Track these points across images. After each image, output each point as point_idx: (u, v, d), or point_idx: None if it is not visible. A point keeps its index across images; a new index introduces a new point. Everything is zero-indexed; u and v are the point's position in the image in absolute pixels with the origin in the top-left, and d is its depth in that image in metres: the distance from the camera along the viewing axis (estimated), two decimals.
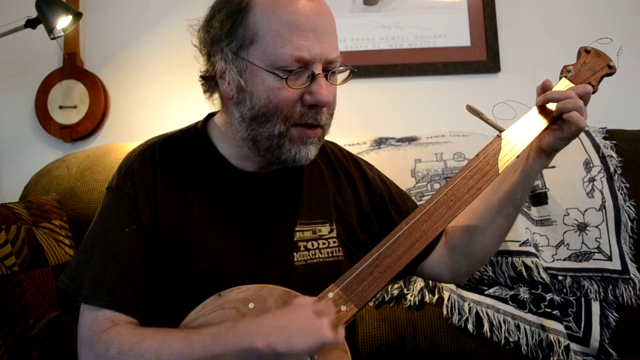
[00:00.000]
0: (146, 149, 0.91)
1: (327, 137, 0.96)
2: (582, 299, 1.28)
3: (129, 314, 0.80)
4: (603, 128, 1.49)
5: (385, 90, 1.78)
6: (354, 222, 0.98)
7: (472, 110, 0.90)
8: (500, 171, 0.86)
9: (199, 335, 0.74)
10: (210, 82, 0.89)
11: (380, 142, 1.52)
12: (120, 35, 1.81)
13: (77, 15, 1.56)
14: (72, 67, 1.77)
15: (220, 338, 0.72)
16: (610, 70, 0.94)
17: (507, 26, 1.78)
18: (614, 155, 1.40)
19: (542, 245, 1.34)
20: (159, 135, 0.96)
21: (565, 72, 0.94)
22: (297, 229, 0.91)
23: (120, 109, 1.80)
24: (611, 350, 1.23)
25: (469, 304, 1.27)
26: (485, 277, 1.31)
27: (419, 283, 1.32)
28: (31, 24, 1.52)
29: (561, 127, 0.87)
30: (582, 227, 1.34)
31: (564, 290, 1.29)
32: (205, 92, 0.91)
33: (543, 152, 0.90)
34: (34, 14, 1.51)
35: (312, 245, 0.91)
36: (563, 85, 0.92)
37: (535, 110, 0.90)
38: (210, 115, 0.97)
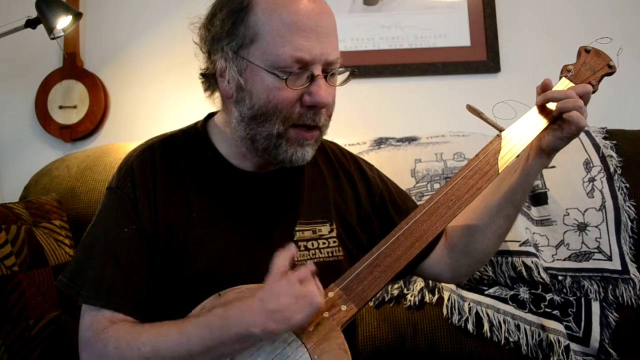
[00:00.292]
0: (146, 149, 0.91)
1: (328, 137, 0.96)
2: (582, 299, 1.28)
3: (129, 314, 0.80)
4: (603, 128, 1.49)
5: (385, 90, 1.78)
6: (354, 222, 0.98)
7: (472, 110, 0.90)
8: (500, 171, 0.86)
9: (194, 326, 0.74)
10: (210, 80, 0.89)
11: (380, 142, 1.52)
12: (120, 35, 1.81)
13: (77, 15, 1.56)
14: (72, 67, 1.77)
15: (214, 327, 0.72)
16: (610, 70, 0.94)
17: (507, 26, 1.78)
18: (614, 155, 1.40)
19: (542, 245, 1.34)
20: (159, 135, 0.96)
21: (565, 71, 0.94)
22: (297, 228, 0.91)
23: (120, 109, 1.80)
24: (611, 350, 1.23)
25: (469, 304, 1.27)
26: (485, 277, 1.31)
27: (419, 283, 1.32)
28: (31, 24, 1.52)
29: (561, 126, 0.87)
30: (582, 227, 1.34)
31: (564, 290, 1.29)
32: (205, 90, 0.91)
33: (543, 151, 0.89)
34: (34, 14, 1.51)
35: (312, 245, 0.91)
36: (563, 84, 0.92)
37: (535, 110, 0.90)
38: (211, 115, 0.97)
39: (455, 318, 1.25)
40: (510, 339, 1.22)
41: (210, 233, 0.86)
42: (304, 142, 0.84)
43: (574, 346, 1.22)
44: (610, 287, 1.29)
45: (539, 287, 1.28)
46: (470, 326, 1.24)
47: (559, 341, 1.20)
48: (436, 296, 1.30)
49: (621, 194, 1.36)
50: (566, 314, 1.26)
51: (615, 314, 1.27)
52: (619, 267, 1.31)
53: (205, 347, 0.72)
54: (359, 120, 1.73)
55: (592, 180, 1.37)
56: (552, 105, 0.88)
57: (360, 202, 1.00)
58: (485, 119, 0.89)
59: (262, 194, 0.91)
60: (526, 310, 1.26)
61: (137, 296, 0.81)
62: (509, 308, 1.26)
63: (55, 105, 1.76)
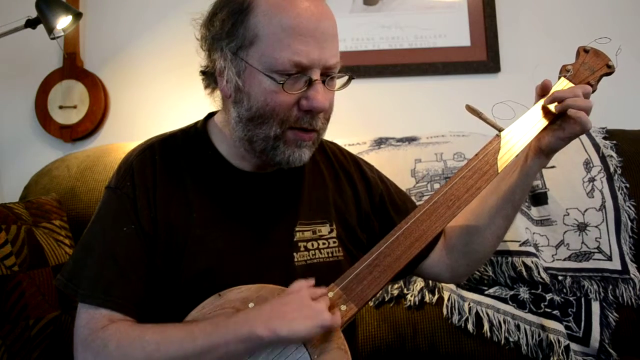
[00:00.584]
0: (146, 148, 0.91)
1: (328, 137, 0.97)
2: (582, 299, 1.28)
3: (127, 313, 0.80)
4: (603, 128, 1.49)
5: (385, 90, 1.78)
6: (354, 222, 0.98)
7: (471, 110, 0.90)
8: (499, 171, 0.86)
9: (199, 326, 0.74)
10: (210, 78, 0.89)
11: (380, 142, 1.52)
12: (120, 35, 1.81)
13: (77, 15, 1.56)
14: (72, 67, 1.77)
15: (220, 327, 0.73)
16: (609, 70, 0.94)
17: (507, 26, 1.78)
18: (614, 155, 1.40)
19: (542, 245, 1.34)
20: (159, 135, 0.96)
21: (564, 71, 0.93)
22: (297, 229, 0.91)
23: (120, 109, 1.80)
24: (611, 350, 1.23)
25: (469, 304, 1.27)
26: (485, 277, 1.31)
27: (419, 283, 1.32)
28: (31, 24, 1.52)
29: (562, 126, 0.87)
30: (582, 227, 1.34)
31: (564, 290, 1.29)
32: (205, 87, 0.91)
33: (542, 152, 0.89)
34: (34, 14, 1.51)
35: (312, 245, 0.91)
36: (562, 84, 0.92)
37: (534, 109, 0.90)
38: (211, 115, 0.97)
39: (455, 318, 1.25)
40: (510, 339, 1.22)
41: (210, 233, 0.86)
42: (301, 143, 0.83)
43: (574, 346, 1.22)
44: (610, 287, 1.29)
45: (539, 287, 1.28)
46: (470, 326, 1.24)
47: (559, 341, 1.20)
48: (436, 296, 1.30)
49: (621, 194, 1.36)
50: (566, 314, 1.26)
51: (615, 314, 1.27)
52: (619, 267, 1.31)
53: (211, 345, 0.72)
54: (359, 120, 1.73)
55: (592, 180, 1.37)
56: (552, 106, 0.88)
57: (360, 202, 1.00)
58: (485, 119, 0.89)
59: (262, 195, 0.91)
60: (526, 310, 1.26)
61: (135, 296, 0.81)
62: (509, 308, 1.26)
63: (55, 105, 1.76)
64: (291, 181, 0.94)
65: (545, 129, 0.89)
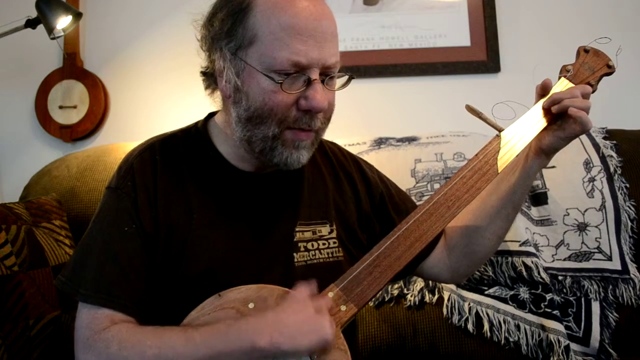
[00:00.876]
0: (146, 148, 0.91)
1: (328, 137, 0.96)
2: (582, 299, 1.28)
3: (128, 313, 0.80)
4: (603, 128, 1.49)
5: (385, 90, 1.78)
6: (354, 223, 0.98)
7: (471, 110, 0.90)
8: (499, 171, 0.86)
9: (201, 333, 0.74)
10: (210, 78, 0.89)
11: (380, 142, 1.52)
12: (120, 35, 1.81)
13: (77, 15, 1.56)
14: (72, 67, 1.77)
15: (222, 337, 0.72)
16: (609, 70, 0.94)
17: (507, 26, 1.78)
18: (614, 155, 1.40)
19: (542, 245, 1.34)
20: (159, 134, 0.96)
21: (564, 71, 0.93)
22: (297, 229, 0.91)
23: (120, 109, 1.80)
24: (611, 350, 1.23)
25: (469, 304, 1.27)
26: (485, 277, 1.31)
27: (419, 283, 1.32)
28: (31, 24, 1.52)
29: (562, 127, 0.87)
30: (582, 227, 1.34)
31: (564, 290, 1.29)
32: (206, 88, 0.91)
33: (542, 152, 0.89)
34: (34, 14, 1.51)
35: (312, 245, 0.91)
36: (562, 84, 0.92)
37: (534, 110, 0.90)
38: (211, 115, 0.97)
39: (455, 318, 1.25)
40: (510, 339, 1.23)
41: (211, 233, 0.86)
42: (299, 144, 0.83)
43: (574, 346, 1.22)
44: (610, 287, 1.29)
45: (539, 287, 1.28)
46: (470, 326, 1.24)
47: (559, 341, 1.20)
48: (436, 296, 1.30)
49: (621, 194, 1.36)
50: (566, 314, 1.26)
51: (615, 314, 1.27)
52: (619, 267, 1.31)
53: (212, 352, 0.72)
54: (359, 120, 1.73)
55: (592, 180, 1.37)
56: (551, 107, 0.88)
57: (361, 202, 1.00)
58: (485, 119, 0.89)
59: (262, 195, 0.91)
60: (526, 310, 1.26)
61: (136, 296, 0.81)
62: (509, 308, 1.26)
63: (55, 105, 1.76)
64: (291, 181, 0.94)
65: (545, 128, 0.89)
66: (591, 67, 0.94)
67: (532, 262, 1.29)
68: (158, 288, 0.84)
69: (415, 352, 1.26)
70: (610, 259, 1.31)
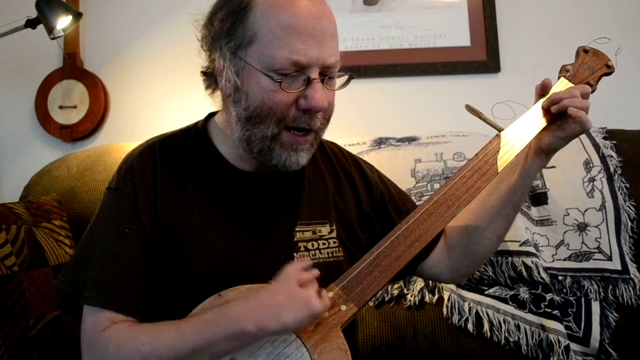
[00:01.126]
0: (146, 148, 0.91)
1: (328, 137, 0.96)
2: (582, 299, 1.28)
3: (129, 314, 0.80)
4: (603, 128, 1.49)
5: (385, 90, 1.78)
6: (354, 223, 0.98)
7: (471, 110, 0.90)
8: (499, 170, 0.86)
9: (191, 324, 0.74)
10: (210, 78, 0.89)
11: (380, 142, 1.52)
12: (120, 35, 1.81)
13: (77, 15, 1.56)
14: (72, 67, 1.77)
15: (209, 325, 0.72)
16: (609, 70, 0.94)
17: (507, 26, 1.78)
18: (614, 155, 1.40)
19: (542, 245, 1.34)
20: (159, 135, 0.96)
21: (563, 71, 0.93)
22: (297, 229, 0.91)
23: (120, 109, 1.80)
24: (611, 350, 1.23)
25: (469, 304, 1.27)
26: (485, 277, 1.31)
27: (419, 283, 1.32)
28: (31, 24, 1.52)
29: (562, 126, 0.87)
30: (582, 227, 1.34)
31: (564, 290, 1.29)
32: (206, 88, 0.91)
33: (542, 151, 0.89)
34: (34, 14, 1.51)
35: (312, 245, 0.91)
36: (562, 84, 0.92)
37: (534, 109, 0.90)
38: (211, 115, 0.97)
39: (455, 318, 1.25)
40: (510, 339, 1.23)
41: (211, 233, 0.86)
42: (297, 147, 0.83)
43: (574, 346, 1.22)
44: (610, 287, 1.29)
45: (539, 287, 1.28)
46: (470, 326, 1.24)
47: (559, 341, 1.20)
48: (436, 296, 1.30)
49: (621, 194, 1.35)
50: (566, 314, 1.26)
51: (615, 314, 1.27)
52: (619, 267, 1.31)
53: (201, 342, 0.72)
54: (359, 120, 1.73)
55: (592, 180, 1.37)
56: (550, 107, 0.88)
57: (361, 202, 1.00)
58: (485, 119, 0.89)
59: (262, 195, 0.91)
60: (526, 310, 1.26)
61: (137, 296, 0.81)
62: (509, 308, 1.26)
63: (55, 105, 1.76)
64: (291, 181, 0.94)
65: (545, 128, 0.89)
66: (590, 67, 0.94)
67: (532, 262, 1.29)
68: (159, 288, 0.84)
69: (415, 352, 1.26)
70: (610, 259, 1.31)
